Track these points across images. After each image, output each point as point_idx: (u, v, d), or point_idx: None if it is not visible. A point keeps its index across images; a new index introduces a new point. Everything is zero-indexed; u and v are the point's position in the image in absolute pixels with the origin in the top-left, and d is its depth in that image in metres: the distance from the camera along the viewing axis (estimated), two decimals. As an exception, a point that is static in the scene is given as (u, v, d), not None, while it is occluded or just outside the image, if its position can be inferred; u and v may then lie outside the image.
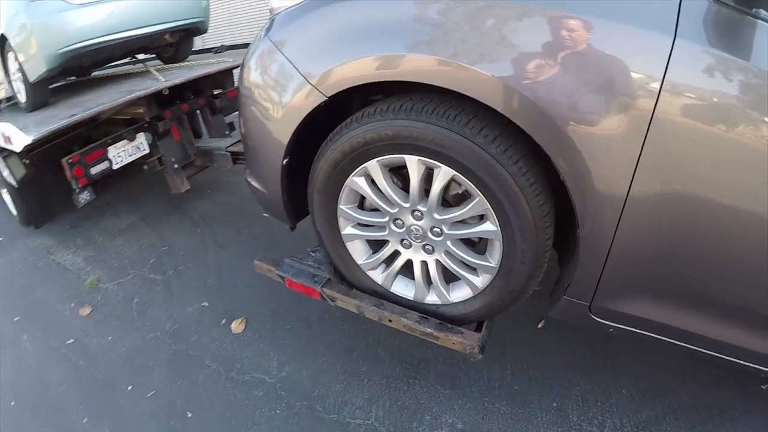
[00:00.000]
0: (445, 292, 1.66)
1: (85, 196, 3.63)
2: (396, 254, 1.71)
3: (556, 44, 1.11)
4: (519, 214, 1.31)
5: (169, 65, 4.96)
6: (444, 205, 1.49)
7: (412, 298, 1.75)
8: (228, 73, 4.45)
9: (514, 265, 1.44)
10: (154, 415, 2.27)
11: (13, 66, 4.14)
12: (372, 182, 1.54)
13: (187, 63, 4.88)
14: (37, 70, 3.77)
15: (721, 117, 1.06)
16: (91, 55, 4.02)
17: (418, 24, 1.26)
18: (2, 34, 4.04)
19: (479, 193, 1.33)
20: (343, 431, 1.96)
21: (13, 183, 4.31)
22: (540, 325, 2.26)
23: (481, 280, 1.56)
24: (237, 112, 1.95)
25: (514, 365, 2.10)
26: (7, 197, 5.14)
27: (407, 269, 1.73)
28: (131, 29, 4.00)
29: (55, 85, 4.82)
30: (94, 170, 3.57)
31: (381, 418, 1.97)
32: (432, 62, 1.22)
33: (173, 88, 3.80)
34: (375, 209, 1.63)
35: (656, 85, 1.05)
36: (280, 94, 1.59)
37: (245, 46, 5.23)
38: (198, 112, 4.42)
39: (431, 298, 1.72)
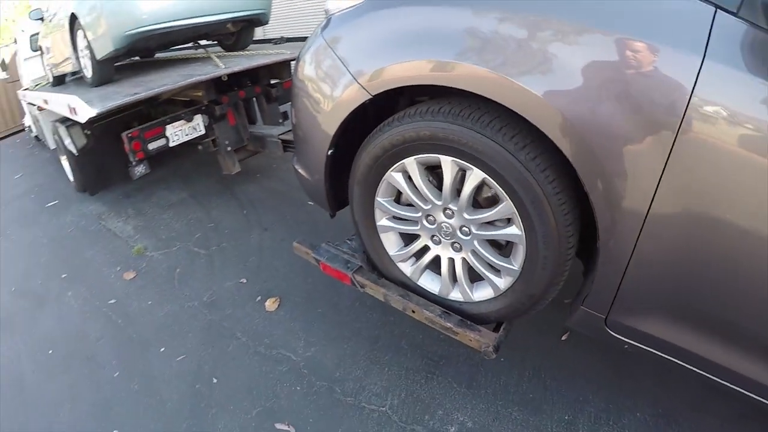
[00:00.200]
0: (468, 291, 1.77)
1: (140, 169, 3.90)
2: (426, 249, 1.83)
3: (585, 61, 1.19)
4: (543, 220, 1.41)
5: (230, 53, 5.22)
6: (474, 206, 1.60)
7: (436, 293, 1.87)
8: (285, 64, 4.65)
9: (536, 270, 1.53)
10: (181, 377, 2.47)
11: (81, 43, 4.44)
12: (409, 178, 1.67)
13: (246, 52, 5.12)
14: (104, 48, 4.05)
15: (745, 140, 1.08)
16: (157, 39, 4.28)
17: (468, 34, 1.37)
18: (73, 12, 4.34)
19: (507, 197, 1.44)
20: (357, 414, 2.08)
21: (74, 151, 4.65)
22: (564, 338, 2.32)
23: (503, 282, 1.65)
24: (290, 102, 2.12)
25: (532, 373, 2.16)
26: (66, 164, 5.53)
27: (435, 264, 1.85)
28: (196, 17, 4.24)
29: (119, 63, 5.13)
30: (152, 146, 3.83)
31: (395, 407, 2.08)
32: (474, 71, 1.33)
33: (232, 75, 4.04)
34: (410, 204, 1.76)
35: (682, 105, 1.10)
36: (330, 89, 1.75)
37: (304, 39, 5.43)
38: (254, 99, 4.67)
39: (455, 295, 1.83)
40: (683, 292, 1.34)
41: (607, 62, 1.18)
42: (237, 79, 4.25)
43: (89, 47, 4.22)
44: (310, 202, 3.38)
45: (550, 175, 1.34)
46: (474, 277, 1.77)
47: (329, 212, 2.14)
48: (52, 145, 6.27)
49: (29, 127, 9.20)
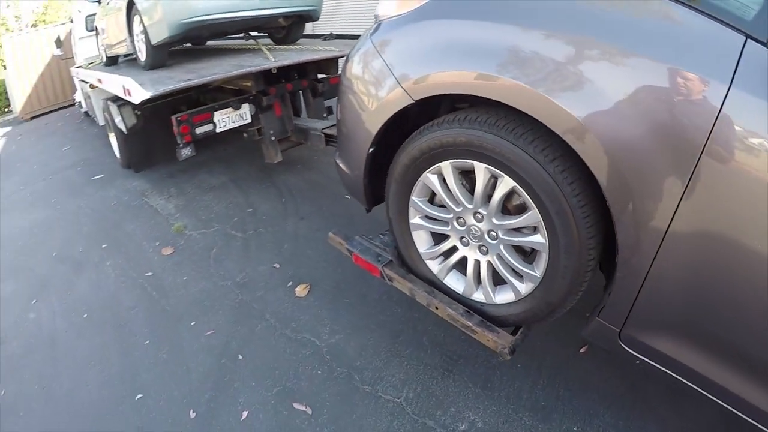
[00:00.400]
0: (491, 293, 1.88)
1: (186, 152, 4.13)
2: (454, 249, 1.95)
3: (616, 83, 1.29)
4: (566, 231, 1.51)
5: (280, 46, 5.40)
6: (503, 212, 1.71)
7: (460, 292, 1.98)
8: (333, 60, 4.82)
9: (556, 278, 1.63)
10: (209, 351, 2.65)
11: (137, 28, 4.67)
12: (443, 181, 1.79)
13: (296, 46, 5.29)
14: (159, 34, 4.26)
15: (765, 167, 1.12)
16: (211, 28, 4.49)
17: (510, 50, 1.48)
18: (131, -1, 4.58)
19: (534, 206, 1.55)
20: (373, 403, 2.21)
21: (123, 129, 4.92)
22: (582, 350, 2.39)
23: (524, 287, 1.76)
24: (336, 98, 2.28)
25: (546, 381, 2.24)
26: (113, 141, 5.83)
27: (461, 265, 1.96)
28: (250, 10, 4.44)
29: (172, 49, 5.39)
30: (199, 130, 4.05)
31: (410, 400, 2.20)
32: (513, 85, 1.44)
33: (280, 68, 4.22)
34: (442, 205, 1.88)
35: (706, 130, 1.17)
36: (375, 91, 1.90)
37: (353, 37, 5.60)
38: (300, 92, 4.84)
39: (477, 296, 1.94)
40: (697, 313, 1.39)
41: (638, 85, 1.27)
42: (285, 72, 4.44)
43: (145, 32, 4.45)
44: (347, 196, 3.56)
45: (577, 188, 1.45)
46: (497, 280, 1.88)
47: (365, 207, 2.29)
48: (101, 122, 6.60)
49: (79, 102, 9.65)
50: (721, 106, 1.15)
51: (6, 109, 15.21)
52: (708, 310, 1.37)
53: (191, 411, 2.32)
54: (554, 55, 1.39)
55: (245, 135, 4.49)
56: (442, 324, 2.42)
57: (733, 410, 1.43)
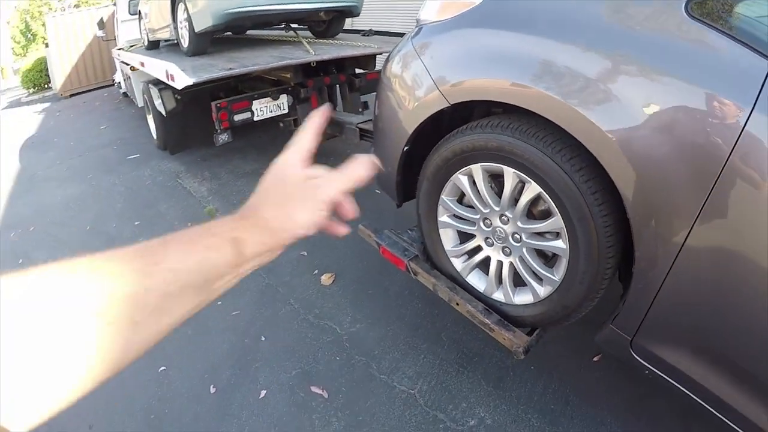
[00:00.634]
0: (510, 293, 1.98)
1: (224, 137, 4.30)
2: (478, 249, 2.06)
3: (644, 100, 1.37)
4: (587, 238, 1.60)
5: (319, 39, 5.53)
6: (528, 216, 1.81)
7: (481, 291, 2.08)
8: (371, 57, 4.95)
9: (573, 283, 1.72)
10: (233, 330, 2.79)
11: (181, 15, 4.83)
12: (473, 182, 1.90)
13: (335, 40, 5.41)
14: (203, 23, 4.41)
15: None
16: (253, 19, 4.66)
17: (545, 62, 1.58)
18: (177, -14, 4.74)
19: (558, 212, 1.64)
20: (387, 392, 2.32)
21: (162, 112, 5.11)
22: (595, 359, 2.46)
23: (543, 290, 1.85)
24: (373, 93, 2.40)
25: (557, 386, 2.31)
26: (151, 122, 6.04)
27: (484, 264, 2.07)
28: (293, 3, 4.58)
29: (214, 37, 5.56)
30: (237, 117, 4.20)
31: (423, 392, 2.31)
32: (545, 95, 1.54)
33: (319, 62, 4.34)
34: (470, 206, 1.99)
35: (727, 150, 1.23)
36: (413, 91, 2.03)
37: (392, 33, 5.68)
38: (337, 86, 4.94)
39: (497, 295, 2.04)
40: (708, 328, 1.44)
41: (664, 104, 1.35)
42: (324, 65, 4.58)
43: (189, 19, 4.60)
44: (377, 191, 3.64)
45: (600, 198, 1.54)
46: (517, 281, 1.98)
47: (396, 202, 2.41)
48: (140, 103, 6.83)
49: (119, 83, 9.95)
50: (743, 127, 1.22)
51: (46, 86, 15.73)
52: (719, 326, 1.42)
53: (212, 386, 2.47)
54: (586, 70, 1.48)
55: (281, 125, 4.64)
56: (460, 322, 2.53)
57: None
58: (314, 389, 2.37)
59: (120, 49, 8.07)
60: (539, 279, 1.87)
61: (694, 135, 1.31)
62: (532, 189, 1.69)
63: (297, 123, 4.54)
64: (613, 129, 1.42)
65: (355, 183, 0.59)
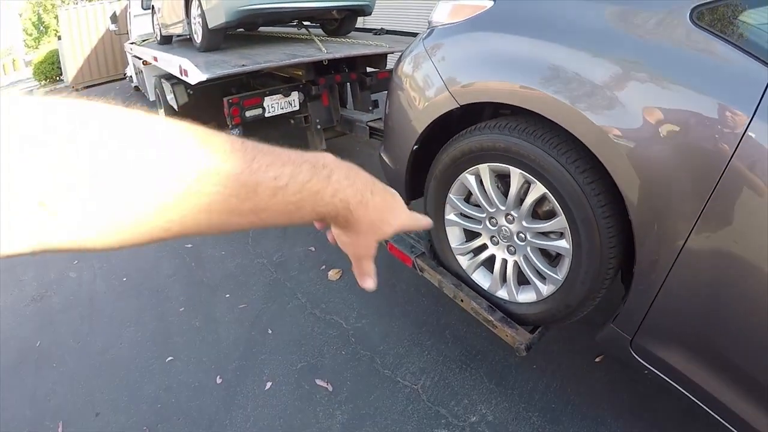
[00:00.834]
0: (514, 291, 2.03)
1: (235, 133, 4.32)
2: (484, 247, 2.11)
3: (648, 105, 1.42)
4: (590, 239, 1.65)
5: (331, 38, 5.58)
6: (533, 216, 1.86)
7: (486, 288, 2.14)
8: (383, 56, 4.99)
9: (576, 283, 1.76)
10: (240, 323, 2.85)
11: (195, 11, 4.88)
12: (480, 182, 1.96)
13: (347, 39, 5.45)
14: (216, 19, 4.46)
15: None
16: (266, 16, 4.70)
17: (553, 67, 1.63)
18: (192, -18, 4.79)
19: (562, 212, 1.69)
20: (391, 386, 2.37)
21: (174, 107, 5.17)
22: (598, 360, 2.49)
23: (546, 289, 1.90)
24: (383, 92, 2.45)
25: (559, 385, 2.35)
26: (162, 117, 6.08)
27: (489, 262, 2.12)
28: (305, 2, 4.64)
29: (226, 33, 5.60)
30: (249, 113, 4.26)
31: (426, 388, 2.35)
32: (552, 99, 1.59)
33: (331, 59, 4.37)
34: (477, 205, 2.04)
35: (727, 155, 1.27)
36: (424, 92, 2.09)
37: (404, 33, 5.71)
38: (348, 84, 5.00)
39: (501, 293, 2.09)
40: (707, 329, 1.48)
41: (667, 109, 1.40)
42: (335, 63, 4.60)
43: (202, 15, 4.66)
44: (387, 189, 3.69)
45: (603, 200, 1.59)
46: (521, 280, 2.03)
47: (405, 200, 2.46)
48: (151, 97, 6.91)
49: (130, 77, 10.05)
50: (744, 133, 1.26)
51: (58, 78, 15.89)
52: (718, 328, 1.45)
53: (218, 377, 2.53)
54: (593, 76, 1.53)
55: (292, 121, 4.69)
56: (465, 319, 2.58)
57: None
58: (319, 382, 2.43)
59: (132, 43, 8.16)
60: (543, 278, 1.92)
61: (696, 140, 1.35)
62: (538, 189, 1.74)
63: (308, 120, 4.60)
64: (617, 133, 1.47)
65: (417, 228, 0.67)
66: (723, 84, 1.34)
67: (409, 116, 2.19)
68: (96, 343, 2.87)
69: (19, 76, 24.94)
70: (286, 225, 0.47)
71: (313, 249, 3.53)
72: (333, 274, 3.20)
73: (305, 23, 5.81)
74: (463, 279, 2.21)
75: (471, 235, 2.17)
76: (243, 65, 3.98)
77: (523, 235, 1.91)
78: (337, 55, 4.37)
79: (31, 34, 28.88)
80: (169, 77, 5.13)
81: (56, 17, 15.87)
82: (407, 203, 2.46)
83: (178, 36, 6.33)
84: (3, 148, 0.29)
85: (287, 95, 4.39)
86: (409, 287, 3.03)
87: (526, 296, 2.01)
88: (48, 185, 0.30)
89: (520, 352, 1.93)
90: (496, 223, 1.99)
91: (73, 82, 13.03)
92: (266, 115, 4.34)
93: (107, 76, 13.40)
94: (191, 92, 5.08)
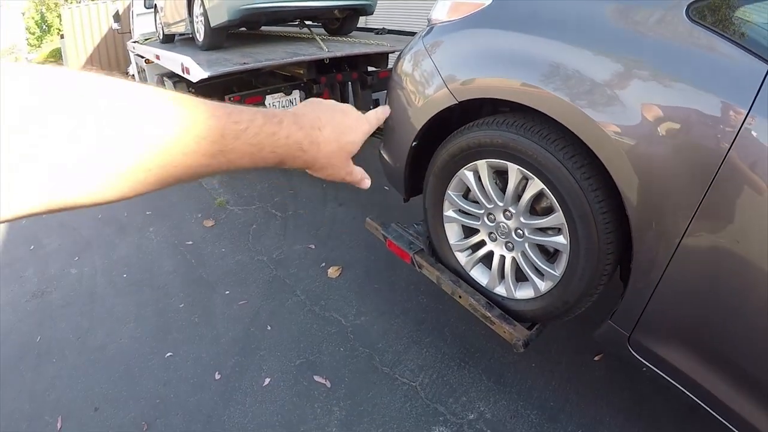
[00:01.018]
0: (512, 288, 2.04)
1: None
2: (482, 244, 2.12)
3: (646, 101, 1.43)
4: (587, 235, 1.65)
5: (333, 37, 5.59)
6: (531, 212, 1.87)
7: (484, 285, 2.14)
8: (384, 55, 5.01)
9: (573, 279, 1.77)
10: (239, 319, 2.87)
11: (198, 10, 4.91)
12: (478, 178, 1.96)
13: (349, 38, 5.47)
14: (218, 18, 4.48)
15: None
16: (268, 15, 4.71)
17: (553, 64, 1.64)
18: (194, -20, 4.81)
19: (559, 208, 1.70)
20: (389, 384, 2.39)
21: (176, 106, 5.16)
22: (597, 358, 2.51)
23: (544, 285, 1.91)
24: (384, 91, 2.46)
25: (557, 384, 2.36)
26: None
27: (487, 259, 2.13)
28: (307, 1, 4.63)
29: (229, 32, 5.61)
30: None
31: (424, 385, 2.37)
32: (552, 96, 1.60)
33: (332, 59, 4.41)
34: (475, 201, 2.05)
35: (723, 150, 1.28)
36: (423, 89, 2.10)
37: (405, 33, 5.73)
38: (349, 83, 5.01)
39: (500, 290, 2.10)
40: (704, 327, 1.48)
41: (664, 105, 1.41)
42: (336, 62, 4.64)
43: (204, 14, 4.68)
44: (386, 187, 3.75)
45: (600, 195, 1.59)
46: (519, 277, 2.04)
47: (404, 197, 2.48)
48: (154, 95, 6.90)
49: (133, 75, 10.06)
50: (740, 128, 1.26)
51: (60, 76, 15.92)
52: (715, 324, 1.46)
53: (216, 373, 2.54)
54: (592, 73, 1.54)
55: None
56: (463, 317, 2.59)
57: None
58: (317, 378, 2.44)
59: (135, 42, 8.19)
60: (540, 274, 1.92)
61: (693, 135, 1.36)
62: (535, 185, 1.75)
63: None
64: (615, 129, 1.48)
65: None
66: (720, 80, 1.35)
67: (408, 113, 2.20)
68: (96, 338, 2.88)
69: (22, 75, 24.91)
70: (251, 167, 0.54)
71: (313, 246, 3.54)
72: (332, 272, 3.21)
73: (307, 22, 5.83)
74: (461, 275, 2.22)
75: (469, 232, 2.18)
76: (244, 63, 4.00)
77: (521, 232, 1.92)
78: (339, 54, 4.40)
79: (34, 33, 28.94)
80: (171, 75, 5.16)
81: (59, 16, 15.93)
82: (406, 200, 2.50)
83: (181, 35, 6.36)
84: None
85: (289, 94, 4.42)
86: (408, 285, 3.04)
87: (524, 293, 2.02)
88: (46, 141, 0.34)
89: (517, 349, 1.94)
90: (494, 219, 2.00)
91: (76, 81, 13.04)
92: None
93: (109, 74, 13.41)
94: (193, 90, 5.09)
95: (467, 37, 1.96)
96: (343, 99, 5.01)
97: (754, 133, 1.25)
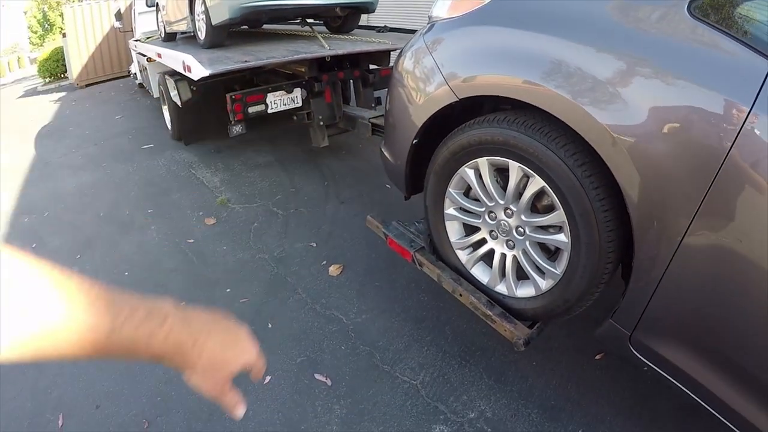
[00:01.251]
0: (513, 286, 2.03)
1: (237, 129, 4.40)
2: (483, 242, 2.11)
3: (648, 99, 1.42)
4: (588, 233, 1.65)
5: (335, 35, 5.60)
6: (532, 210, 1.86)
7: (485, 283, 2.14)
8: (386, 53, 5.00)
9: (574, 277, 1.77)
10: (240, 317, 2.81)
11: (199, 8, 4.93)
12: (479, 176, 1.96)
13: (350, 36, 5.49)
14: (220, 16, 4.50)
15: None
16: (270, 13, 4.77)
17: (554, 61, 1.64)
18: (195, -21, 4.83)
19: (560, 206, 1.69)
20: (390, 382, 2.38)
21: (178, 103, 5.22)
22: (598, 357, 2.48)
23: (545, 284, 1.91)
24: (386, 89, 2.46)
25: (558, 382, 2.34)
26: (166, 113, 6.17)
27: (488, 257, 2.13)
28: None
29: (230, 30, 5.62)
30: (252, 110, 4.30)
31: (425, 383, 2.36)
32: (553, 93, 1.60)
33: (334, 56, 4.42)
34: (476, 199, 2.05)
35: (725, 148, 1.27)
36: (423, 86, 2.10)
37: (407, 30, 5.73)
38: (351, 81, 5.01)
39: (500, 288, 2.10)
40: (705, 326, 1.47)
41: (665, 102, 1.41)
42: (338, 60, 4.64)
43: (206, 12, 4.70)
44: (387, 185, 3.75)
45: (601, 193, 1.59)
46: (520, 275, 2.03)
47: (405, 194, 2.48)
48: (155, 94, 6.95)
49: (135, 74, 10.11)
50: (742, 126, 1.25)
51: (62, 75, 15.96)
52: (716, 323, 1.45)
53: (218, 370, 2.53)
54: (594, 71, 1.54)
55: (295, 118, 4.71)
56: (464, 316, 2.58)
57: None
58: (318, 377, 2.43)
59: (137, 40, 8.21)
60: (541, 272, 1.92)
61: (694, 133, 1.35)
62: (536, 183, 1.74)
63: (310, 116, 4.62)
64: (617, 127, 1.47)
65: None
66: (722, 77, 1.34)
67: (409, 111, 2.20)
68: (97, 336, 2.87)
69: (24, 74, 25.03)
70: None
71: (315, 245, 3.54)
72: (334, 270, 3.21)
73: (308, 20, 5.84)
74: (462, 274, 2.22)
75: (470, 230, 2.17)
76: (246, 61, 4.01)
77: (522, 230, 1.91)
78: (340, 52, 4.40)
79: (36, 32, 29.05)
80: (173, 74, 5.17)
81: (61, 15, 15.95)
82: (407, 198, 2.50)
83: (182, 33, 6.38)
84: None
85: (290, 92, 4.42)
86: (409, 283, 3.03)
87: (525, 291, 2.01)
88: None
89: (518, 347, 1.94)
90: (495, 217, 1.99)
91: (78, 80, 13.07)
92: (269, 111, 4.37)
93: (112, 73, 13.45)
94: (194, 88, 5.12)
95: (468, 35, 1.96)
96: (345, 97, 5.02)
97: (756, 131, 1.24)
